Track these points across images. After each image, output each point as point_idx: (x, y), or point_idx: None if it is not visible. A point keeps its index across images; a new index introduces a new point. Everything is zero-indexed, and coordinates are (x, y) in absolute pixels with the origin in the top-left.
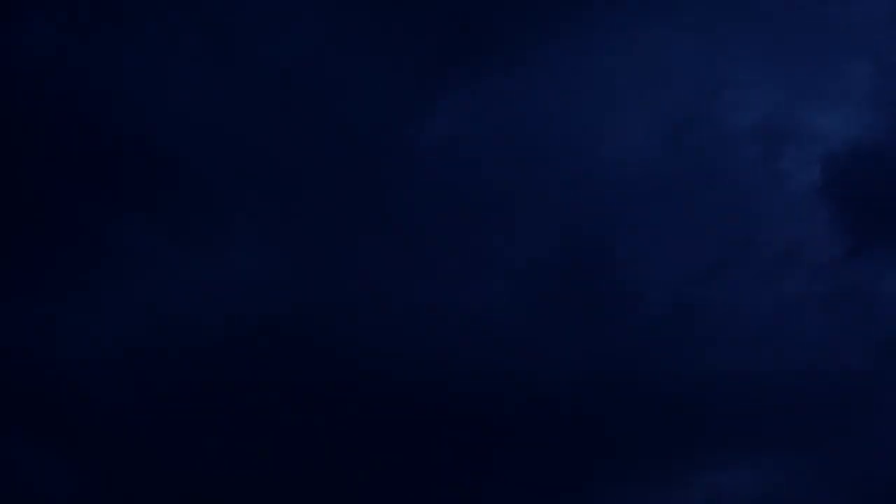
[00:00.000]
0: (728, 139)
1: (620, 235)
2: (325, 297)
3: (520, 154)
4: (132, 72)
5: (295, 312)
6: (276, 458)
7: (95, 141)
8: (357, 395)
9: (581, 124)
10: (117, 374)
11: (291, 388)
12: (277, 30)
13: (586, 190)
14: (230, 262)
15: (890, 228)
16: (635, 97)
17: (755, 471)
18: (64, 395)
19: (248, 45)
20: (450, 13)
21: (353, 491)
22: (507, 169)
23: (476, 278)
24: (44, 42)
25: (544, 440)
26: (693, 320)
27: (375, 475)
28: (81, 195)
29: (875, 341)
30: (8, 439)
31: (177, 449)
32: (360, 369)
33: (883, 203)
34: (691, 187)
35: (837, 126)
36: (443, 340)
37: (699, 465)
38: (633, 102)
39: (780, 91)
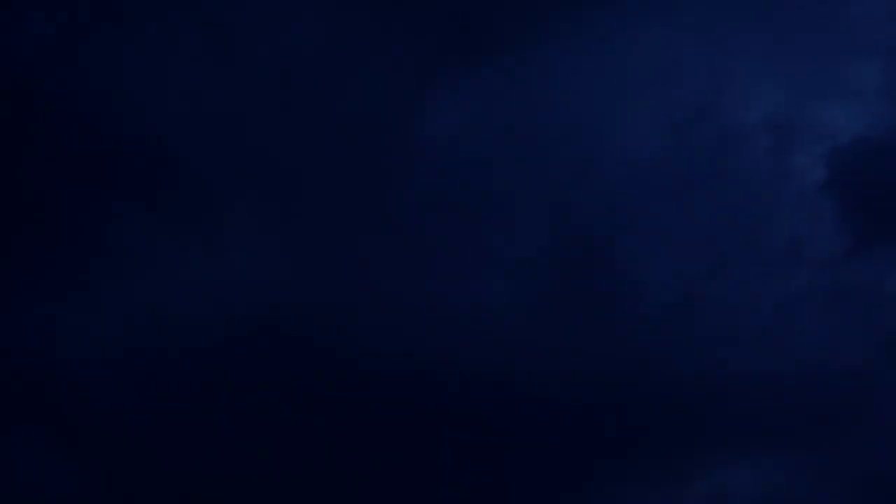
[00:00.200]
0: (732, 136)
1: (622, 233)
2: (325, 295)
3: (521, 152)
4: (131, 71)
5: (294, 311)
6: (276, 456)
7: (95, 140)
8: (356, 393)
9: (584, 122)
10: (117, 373)
11: (291, 386)
12: (277, 27)
13: (588, 187)
14: (230, 261)
15: (893, 227)
16: (639, 95)
17: (756, 470)
18: (64, 394)
19: (247, 43)
20: (451, 10)
21: (352, 489)
22: (509, 167)
23: (476, 276)
24: (43, 41)
25: (544, 439)
26: (694, 318)
27: (375, 474)
28: (81, 194)
29: (877, 340)
30: (8, 439)
31: (176, 448)
32: (359, 368)
33: (887, 201)
34: (694, 184)
35: (842, 123)
36: (443, 339)
37: (700, 463)
38: (637, 100)
39: (785, 88)
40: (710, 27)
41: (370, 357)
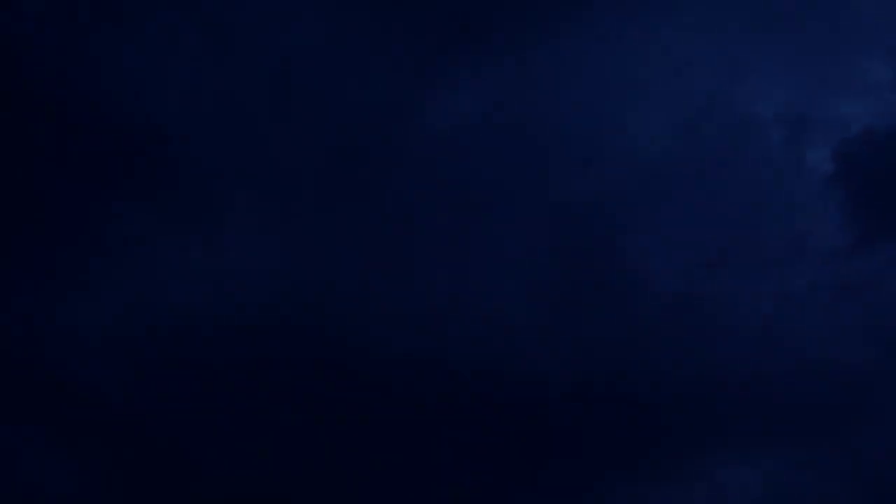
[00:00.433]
0: (737, 131)
1: (625, 228)
2: (326, 291)
3: (527, 147)
4: (131, 68)
5: (295, 308)
6: (276, 451)
7: (95, 137)
8: (358, 391)
9: (591, 117)
10: (117, 370)
11: (293, 382)
12: (277, 25)
13: (593, 183)
14: (230, 257)
15: None
16: (644, 90)
17: (759, 467)
18: (63, 390)
19: (247, 40)
20: (458, 5)
21: (352, 484)
22: (514, 162)
23: (479, 272)
24: (43, 39)
25: (545, 438)
26: (696, 315)
27: (375, 470)
28: (80, 192)
29: (881, 337)
30: (9, 436)
31: (177, 443)
32: (361, 364)
33: (892, 196)
34: (698, 180)
35: (849, 118)
36: (445, 332)
37: (702, 462)
38: (642, 95)
39: (792, 84)
40: (721, 24)
41: (371, 353)
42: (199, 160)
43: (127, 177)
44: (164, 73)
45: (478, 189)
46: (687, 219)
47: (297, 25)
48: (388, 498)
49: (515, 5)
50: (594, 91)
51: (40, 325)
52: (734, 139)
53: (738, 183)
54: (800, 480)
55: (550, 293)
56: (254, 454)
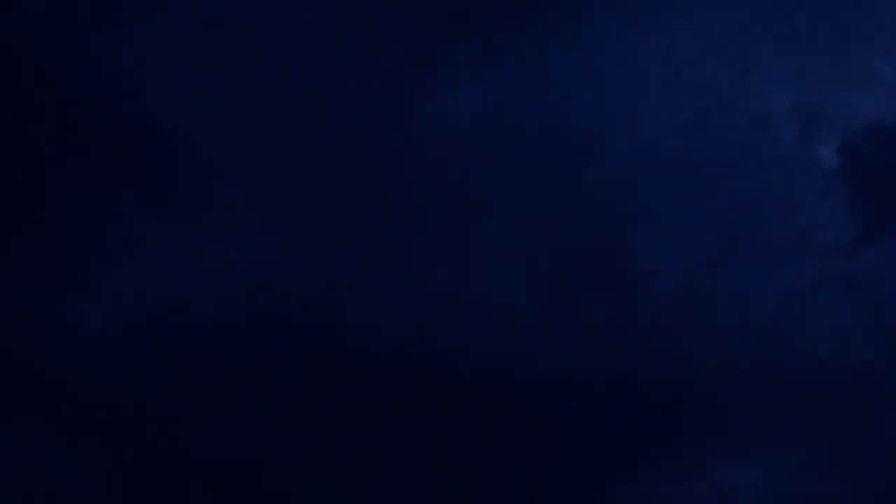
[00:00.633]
0: (745, 126)
1: (629, 223)
2: (324, 285)
3: (530, 142)
4: (131, 65)
5: (294, 300)
6: (275, 442)
7: (94, 133)
8: (355, 383)
9: (600, 112)
10: (117, 364)
11: (291, 375)
12: (278, 19)
13: (601, 177)
14: (229, 251)
15: None
16: (655, 86)
17: (760, 466)
18: (63, 385)
19: (247, 34)
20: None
21: (352, 480)
22: (517, 157)
23: (480, 267)
24: (43, 38)
25: (547, 435)
26: (701, 311)
27: (375, 466)
28: (80, 187)
29: (885, 334)
30: (9, 430)
31: (176, 437)
32: (358, 358)
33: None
34: (704, 174)
35: (855, 113)
36: (446, 330)
37: (704, 460)
38: (650, 92)
39: (798, 80)
40: (728, 22)
41: (373, 351)
42: (199, 159)
43: (128, 176)
44: (164, 72)
45: (481, 186)
46: (691, 215)
47: (298, 23)
48: (389, 496)
49: (521, 2)
50: (600, 87)
51: (41, 323)
52: (739, 136)
53: (743, 179)
54: (801, 479)
55: (553, 291)
56: (254, 451)
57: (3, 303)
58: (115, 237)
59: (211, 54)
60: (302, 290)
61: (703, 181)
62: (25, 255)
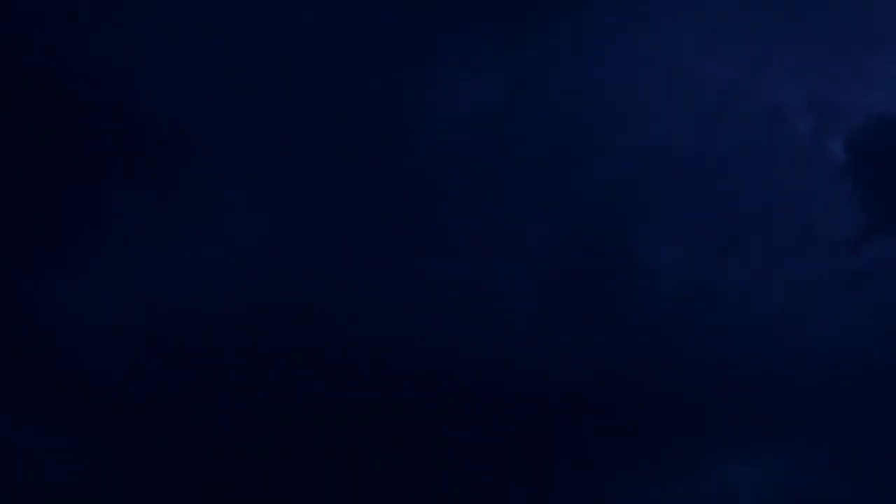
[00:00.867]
0: (752, 120)
1: (636, 216)
2: (326, 277)
3: (539, 134)
4: (129, 54)
5: (295, 293)
6: (275, 435)
7: (93, 124)
8: (357, 377)
9: (605, 104)
10: (116, 357)
11: (292, 369)
12: (277, 9)
13: (606, 170)
14: (229, 242)
15: None
16: (663, 79)
17: (765, 463)
18: (62, 377)
19: (246, 26)
20: None
21: (350, 474)
22: (526, 148)
23: (486, 258)
24: (42, 33)
25: (550, 432)
26: (703, 308)
27: (376, 462)
28: (79, 178)
29: (891, 329)
30: (8, 424)
31: (176, 429)
32: (361, 351)
33: None
34: (712, 168)
35: (862, 107)
36: (451, 323)
37: (708, 458)
38: (661, 85)
39: (806, 75)
40: (739, 18)
41: (376, 344)
42: (199, 154)
43: (127, 168)
44: (164, 67)
45: (484, 182)
46: (698, 209)
47: (298, 19)
48: (390, 492)
49: None
50: (610, 80)
51: (39, 318)
52: (748, 130)
53: (751, 173)
54: (803, 478)
55: (555, 287)
56: (254, 448)
57: (3, 298)
58: (115, 233)
59: (211, 50)
60: (302, 285)
61: (708, 176)
62: (24, 251)
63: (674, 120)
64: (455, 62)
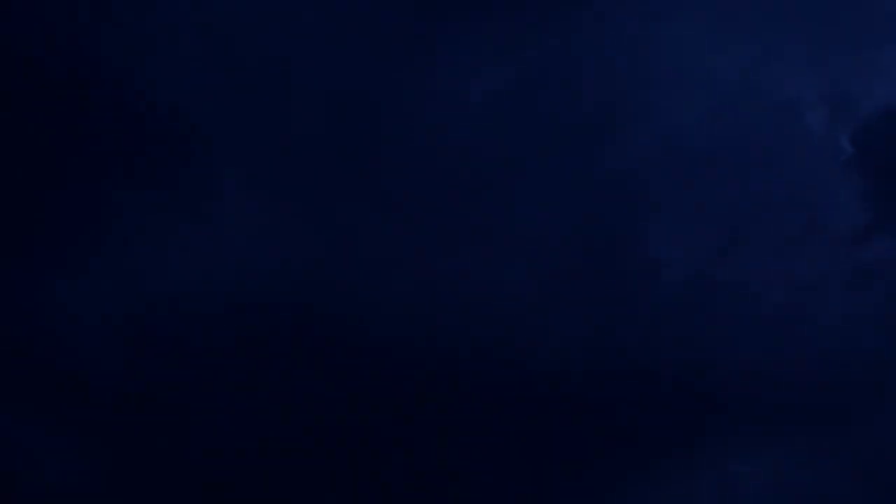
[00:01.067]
0: (760, 114)
1: (643, 210)
2: (328, 270)
3: (547, 125)
4: (127, 46)
5: (298, 288)
6: (276, 429)
7: (94, 121)
8: (355, 371)
9: (614, 97)
10: (116, 354)
11: (292, 364)
12: (279, 6)
13: (613, 162)
14: (230, 236)
15: None
16: (671, 73)
17: (769, 459)
18: (65, 375)
19: (249, 14)
20: None
21: (350, 473)
22: (534, 139)
23: (493, 252)
24: (42, 30)
25: (553, 427)
26: (707, 304)
27: (376, 456)
28: (80, 177)
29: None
30: (8, 422)
31: (177, 424)
32: (363, 344)
33: None
34: (719, 161)
35: (869, 101)
36: (453, 314)
37: (712, 453)
38: (669, 78)
39: (813, 68)
40: (749, 13)
41: (378, 338)
42: (199, 149)
43: (127, 167)
44: (164, 62)
45: (494, 170)
46: (703, 203)
47: (299, 14)
48: (391, 491)
49: None
50: (618, 73)
51: (40, 315)
52: (755, 124)
53: (757, 166)
54: (807, 474)
55: (560, 280)
56: (255, 443)
57: (3, 298)
58: (116, 233)
59: (212, 48)
60: (304, 284)
61: (715, 171)
62: (24, 251)
63: (681, 114)
64: (461, 56)
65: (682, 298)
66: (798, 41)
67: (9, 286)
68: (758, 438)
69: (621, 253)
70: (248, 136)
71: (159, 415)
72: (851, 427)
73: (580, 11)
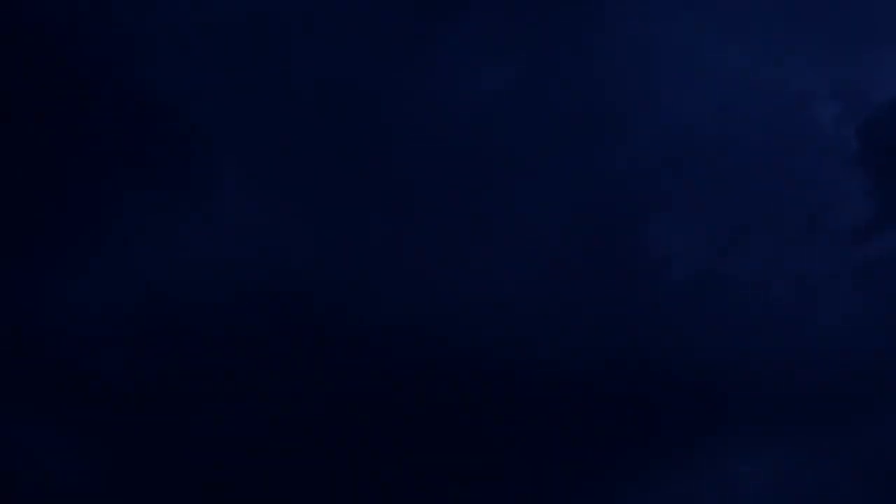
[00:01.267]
0: (764, 110)
1: (647, 208)
2: (329, 264)
3: (551, 121)
4: (125, 35)
5: (295, 286)
6: (277, 428)
7: (95, 120)
8: (355, 368)
9: (619, 92)
10: (116, 350)
11: (294, 361)
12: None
13: (617, 160)
14: (230, 231)
15: None
16: (676, 70)
17: (771, 457)
18: (66, 373)
19: (250, 13)
20: None
21: (349, 472)
22: (537, 135)
23: (493, 250)
24: (43, 22)
25: (554, 424)
26: (710, 302)
27: (375, 454)
28: (81, 173)
29: None
30: (11, 420)
31: (178, 423)
32: (362, 345)
33: None
34: (723, 157)
35: (874, 96)
36: (456, 312)
37: (713, 451)
38: (674, 75)
39: (818, 64)
40: (756, 10)
41: (377, 335)
42: (199, 146)
43: (128, 165)
44: (165, 61)
45: (499, 166)
46: (709, 198)
47: (299, 10)
48: (392, 491)
49: None
50: (626, 68)
51: (40, 314)
52: (762, 119)
53: (764, 162)
54: (809, 473)
55: (562, 277)
56: (256, 441)
57: (3, 296)
58: (116, 231)
59: (212, 45)
60: (303, 280)
61: (721, 166)
62: (24, 250)
63: (688, 109)
64: (463, 54)
65: (683, 297)
66: (805, 37)
67: (9, 285)
68: (758, 438)
69: (622, 251)
70: (248, 136)
71: (160, 414)
72: (856, 426)
73: (589, 5)
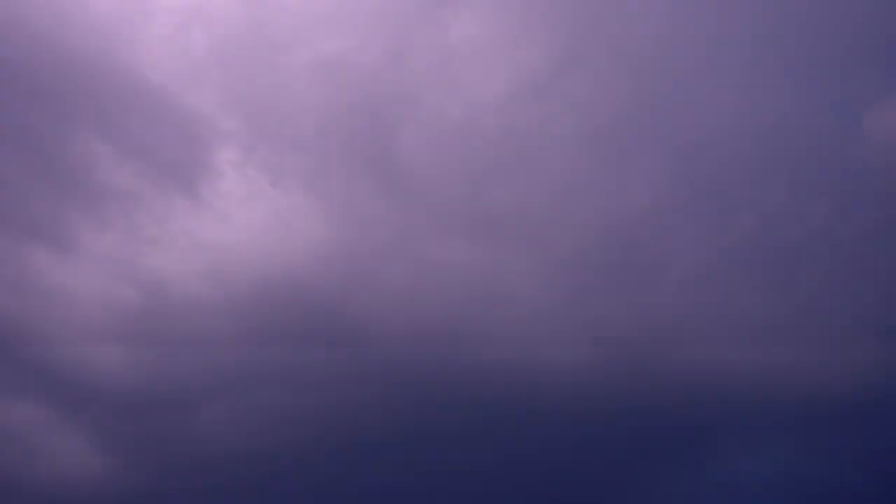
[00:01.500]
0: (776, 120)
1: (656, 212)
2: (331, 268)
3: (572, 123)
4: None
5: (296, 283)
6: (278, 426)
7: (96, 110)
8: (354, 367)
9: (626, 94)
10: (119, 351)
11: (296, 357)
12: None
13: (627, 160)
14: (233, 232)
15: None
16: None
17: (774, 456)
18: (66, 371)
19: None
20: None
21: (349, 471)
22: (544, 132)
23: (495, 248)
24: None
25: (558, 423)
26: (712, 300)
27: (376, 453)
28: (81, 162)
29: None
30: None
31: (180, 421)
32: (359, 341)
33: None
34: (732, 164)
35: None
36: (457, 312)
37: (720, 449)
38: (687, 88)
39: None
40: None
41: (377, 332)
42: (202, 135)
43: (130, 153)
44: (163, 39)
45: (500, 160)
46: (714, 203)
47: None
48: (394, 490)
49: None
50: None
51: (39, 308)
52: (773, 135)
53: (773, 171)
54: (812, 471)
55: (568, 276)
56: (257, 440)
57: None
58: (116, 227)
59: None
60: (303, 274)
61: (731, 170)
62: (14, 227)
63: (709, 124)
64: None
65: (690, 293)
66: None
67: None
68: (761, 437)
69: (634, 249)
70: (248, 134)
71: (162, 412)
72: (858, 423)
73: None
